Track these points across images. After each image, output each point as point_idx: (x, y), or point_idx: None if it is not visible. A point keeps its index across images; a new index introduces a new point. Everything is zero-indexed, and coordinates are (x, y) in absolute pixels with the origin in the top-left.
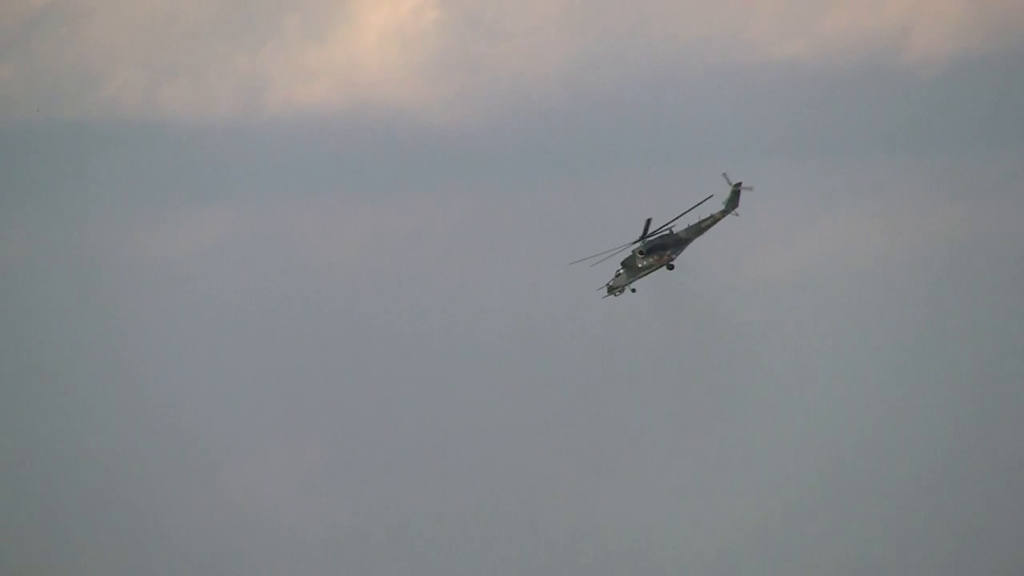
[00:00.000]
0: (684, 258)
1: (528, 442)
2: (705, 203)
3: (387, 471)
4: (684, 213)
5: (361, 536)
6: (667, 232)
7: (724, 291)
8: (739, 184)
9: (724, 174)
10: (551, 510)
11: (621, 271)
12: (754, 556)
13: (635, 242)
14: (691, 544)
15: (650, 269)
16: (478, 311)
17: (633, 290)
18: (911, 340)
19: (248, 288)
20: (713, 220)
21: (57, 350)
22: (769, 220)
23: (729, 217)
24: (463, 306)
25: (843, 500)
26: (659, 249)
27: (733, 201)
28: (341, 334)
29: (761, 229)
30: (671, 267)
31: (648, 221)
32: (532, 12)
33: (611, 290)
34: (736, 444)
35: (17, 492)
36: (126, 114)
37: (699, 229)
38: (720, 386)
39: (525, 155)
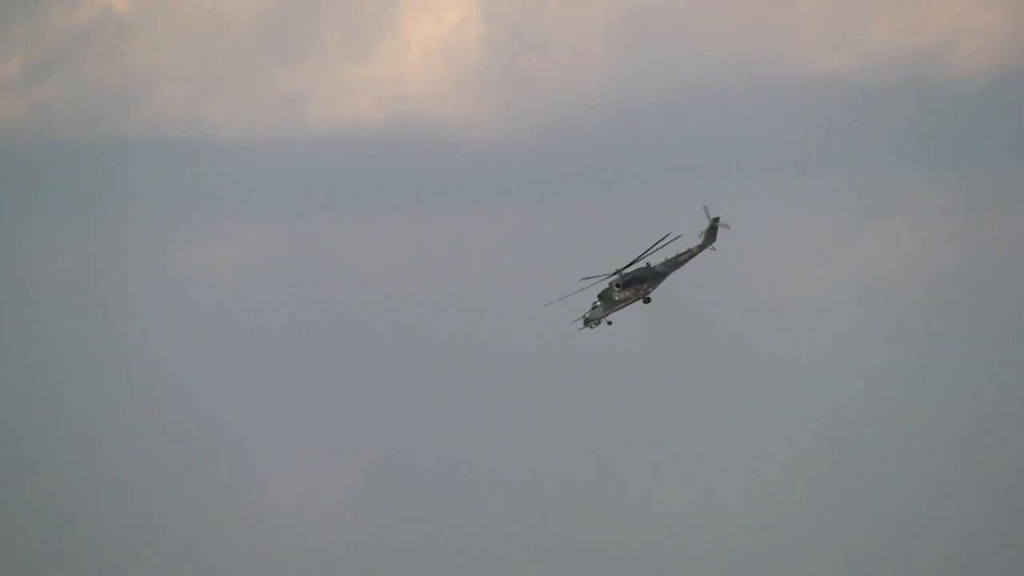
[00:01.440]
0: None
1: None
2: (680, 239)
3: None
4: (653, 248)
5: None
6: (644, 265)
7: (762, 309)
8: (717, 219)
9: (704, 207)
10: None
11: (598, 303)
12: None
13: (612, 274)
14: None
15: (627, 302)
16: (521, 325)
17: (609, 323)
18: (952, 355)
19: (290, 304)
20: (690, 254)
21: (99, 364)
22: (808, 235)
23: (707, 251)
24: (506, 322)
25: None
26: (636, 282)
27: (711, 235)
28: (382, 349)
29: (800, 244)
30: (647, 300)
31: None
32: (576, 28)
33: (587, 322)
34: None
35: (42, 490)
36: (169, 131)
37: (676, 263)
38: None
39: (568, 171)
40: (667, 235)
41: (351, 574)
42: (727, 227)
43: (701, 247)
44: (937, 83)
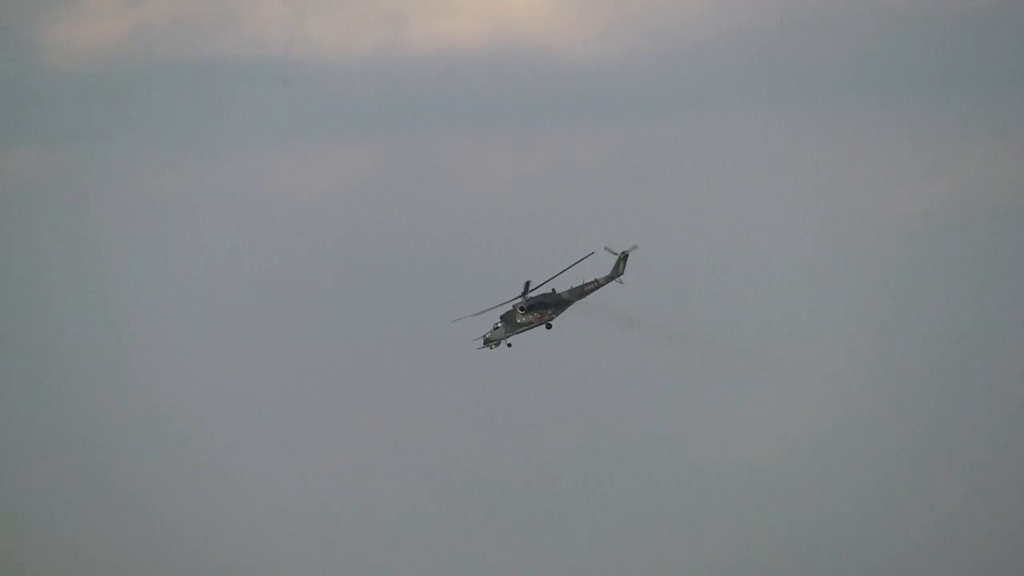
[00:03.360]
0: None
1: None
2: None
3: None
4: (564, 271)
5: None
6: (550, 291)
7: None
8: (626, 253)
9: (606, 248)
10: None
11: (500, 325)
12: None
13: (516, 298)
14: None
15: (529, 326)
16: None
17: (509, 345)
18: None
19: (388, 224)
20: (596, 285)
21: (200, 282)
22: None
23: (613, 283)
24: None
25: None
26: (540, 307)
27: (618, 268)
28: (480, 272)
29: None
30: (549, 327)
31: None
32: None
33: (487, 342)
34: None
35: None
36: (269, 51)
37: (582, 292)
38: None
39: (671, 92)
40: (590, 254)
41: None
42: (635, 247)
43: (608, 278)
44: None
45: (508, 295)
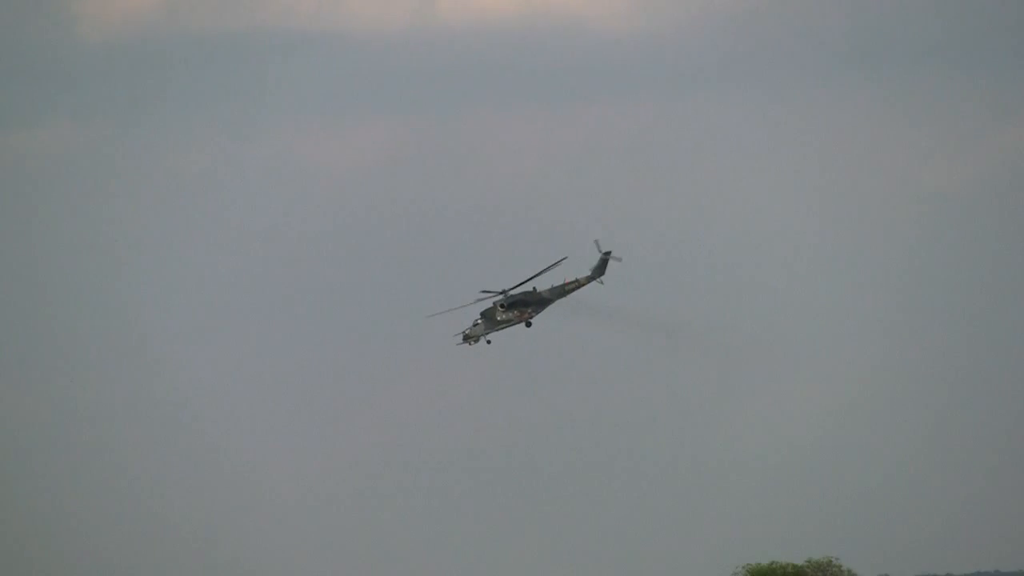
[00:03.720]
0: None
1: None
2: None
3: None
4: (539, 274)
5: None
6: (531, 290)
7: None
8: (608, 253)
9: (595, 241)
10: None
11: (479, 321)
12: None
13: (498, 293)
14: None
15: (508, 324)
16: (657, 222)
17: (488, 341)
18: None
19: (421, 194)
20: (577, 284)
21: (232, 249)
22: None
23: (594, 284)
24: (644, 216)
25: None
26: (521, 305)
27: (600, 269)
28: (513, 241)
29: None
30: (529, 324)
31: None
32: None
33: (466, 338)
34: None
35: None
36: (302, 24)
37: (563, 291)
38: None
39: (709, 64)
40: (562, 259)
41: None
42: (619, 259)
43: (589, 279)
44: None
45: (531, 267)
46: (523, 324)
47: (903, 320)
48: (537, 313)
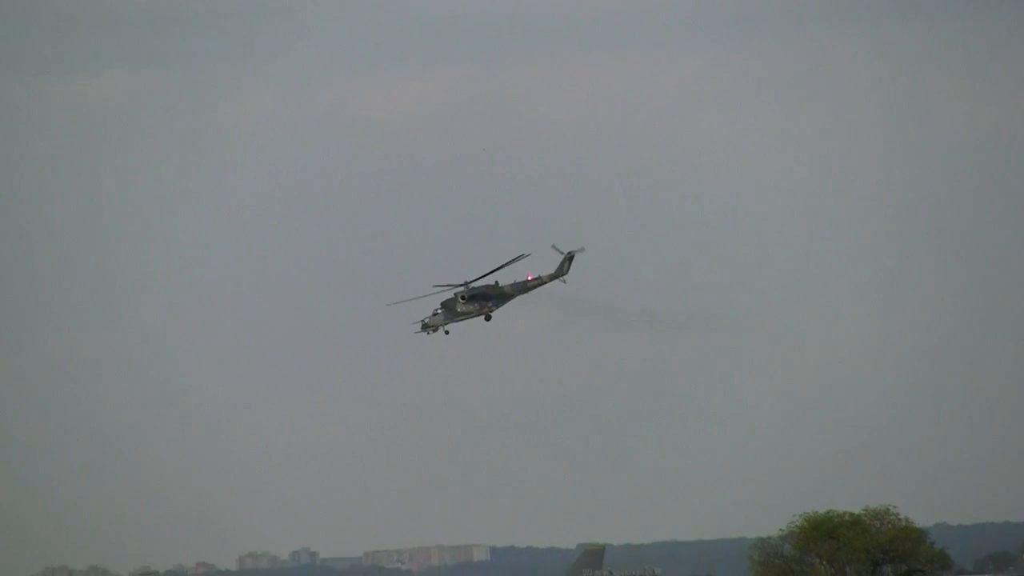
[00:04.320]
0: None
1: None
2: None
3: None
4: (499, 268)
5: None
6: (493, 283)
7: None
8: (572, 253)
9: (553, 245)
10: None
11: (439, 311)
12: None
13: (458, 285)
14: None
15: (468, 316)
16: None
17: (447, 332)
18: None
19: (480, 141)
20: (540, 282)
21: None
22: None
23: (556, 281)
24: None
25: None
26: (481, 298)
27: (563, 268)
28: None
29: None
30: (488, 318)
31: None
32: None
33: (425, 327)
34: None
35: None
36: None
37: (524, 287)
38: None
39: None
40: (521, 255)
41: None
42: (582, 250)
43: (552, 276)
44: None
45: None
46: (482, 317)
47: (965, 276)
48: (497, 307)
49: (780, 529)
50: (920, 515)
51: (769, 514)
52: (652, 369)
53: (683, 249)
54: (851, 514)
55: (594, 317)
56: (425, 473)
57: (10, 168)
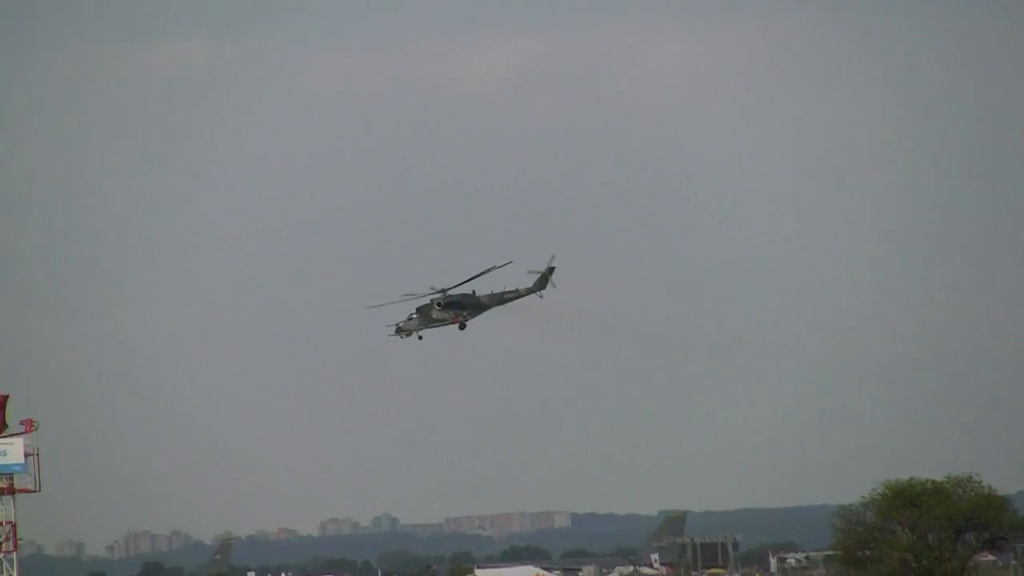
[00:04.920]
0: None
1: None
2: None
3: None
4: (480, 274)
5: None
6: (470, 292)
7: None
8: (551, 269)
9: (529, 271)
10: None
11: (415, 316)
12: None
13: (436, 292)
14: None
15: (442, 323)
16: None
17: (420, 337)
18: None
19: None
20: (517, 294)
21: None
22: None
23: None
24: None
25: None
26: (457, 307)
27: (541, 283)
28: None
29: None
30: (463, 327)
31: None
32: None
33: (399, 331)
34: None
35: None
36: None
37: (501, 299)
38: None
39: None
40: (506, 263)
41: None
42: (554, 285)
43: (529, 290)
44: None
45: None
46: (457, 326)
47: None
48: (472, 317)
49: (862, 496)
50: (1003, 483)
51: (850, 482)
52: (737, 335)
53: None
54: (933, 482)
55: None
56: (507, 440)
57: (94, 133)
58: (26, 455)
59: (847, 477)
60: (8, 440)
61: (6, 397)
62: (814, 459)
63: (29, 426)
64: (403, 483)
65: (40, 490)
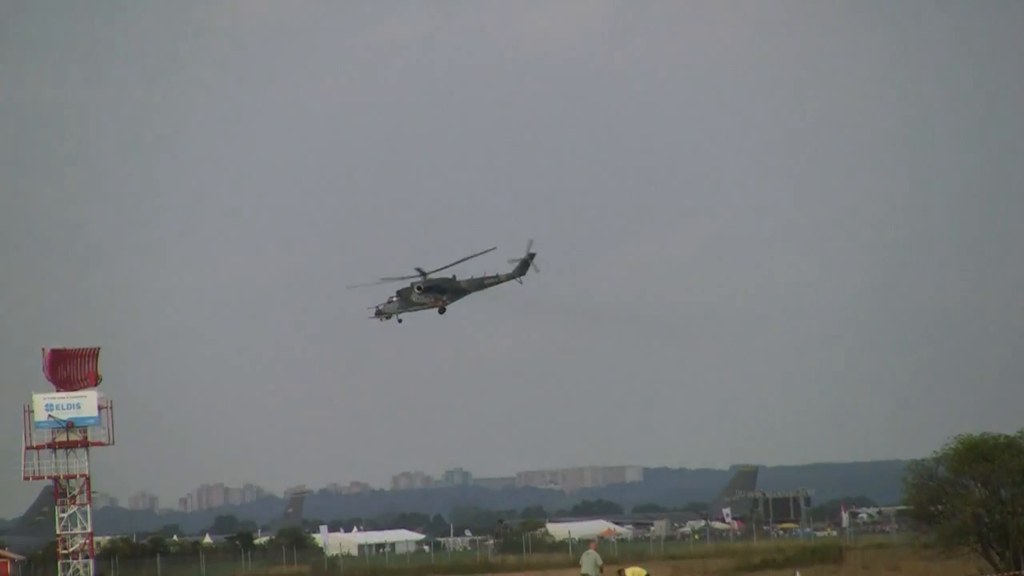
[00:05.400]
0: None
1: None
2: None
3: None
4: (463, 259)
5: None
6: (451, 277)
7: None
8: (533, 255)
9: (509, 261)
10: None
11: (394, 299)
12: None
13: (419, 275)
14: None
15: (422, 307)
16: None
17: (400, 320)
18: None
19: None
20: (496, 280)
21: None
22: None
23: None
24: None
25: None
26: (436, 291)
27: (522, 269)
28: None
29: None
30: (442, 311)
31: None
32: None
33: (379, 313)
34: None
35: None
36: None
37: (481, 284)
38: None
39: None
40: (491, 248)
41: None
42: (537, 269)
43: (509, 276)
44: None
45: None
46: (436, 310)
47: None
48: (452, 301)
49: (934, 451)
50: None
51: (922, 437)
52: (808, 287)
53: None
54: (1006, 436)
55: None
56: (577, 394)
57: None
58: (100, 408)
59: (919, 432)
60: (82, 393)
61: (97, 350)
62: (886, 414)
63: (94, 379)
64: (475, 437)
65: (114, 443)
